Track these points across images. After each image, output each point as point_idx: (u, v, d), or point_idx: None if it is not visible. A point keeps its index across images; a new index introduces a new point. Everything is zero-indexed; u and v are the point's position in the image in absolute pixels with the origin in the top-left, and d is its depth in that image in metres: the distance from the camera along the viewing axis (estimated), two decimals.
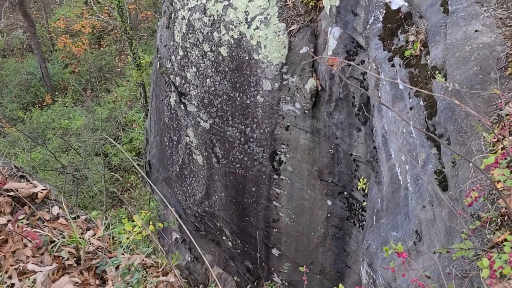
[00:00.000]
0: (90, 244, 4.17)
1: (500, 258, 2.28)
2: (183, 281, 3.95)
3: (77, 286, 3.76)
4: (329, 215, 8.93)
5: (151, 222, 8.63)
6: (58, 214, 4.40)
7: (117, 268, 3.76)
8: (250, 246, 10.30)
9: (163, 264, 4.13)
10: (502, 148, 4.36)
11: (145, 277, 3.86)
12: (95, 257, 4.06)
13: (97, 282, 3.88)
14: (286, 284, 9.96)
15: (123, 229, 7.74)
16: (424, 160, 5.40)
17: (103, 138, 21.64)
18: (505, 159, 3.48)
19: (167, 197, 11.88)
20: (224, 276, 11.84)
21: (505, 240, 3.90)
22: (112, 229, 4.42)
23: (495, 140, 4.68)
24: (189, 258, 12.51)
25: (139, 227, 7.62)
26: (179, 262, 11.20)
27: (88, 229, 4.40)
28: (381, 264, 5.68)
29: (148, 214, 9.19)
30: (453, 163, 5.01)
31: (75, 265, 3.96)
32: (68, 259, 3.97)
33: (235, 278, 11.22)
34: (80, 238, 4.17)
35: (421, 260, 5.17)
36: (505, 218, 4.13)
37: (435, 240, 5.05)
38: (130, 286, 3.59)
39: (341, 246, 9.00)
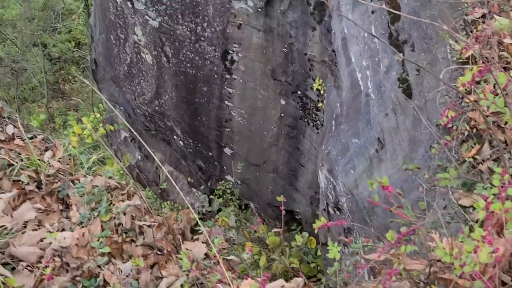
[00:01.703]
0: (50, 166, 3.97)
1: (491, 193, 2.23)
2: (148, 202, 3.84)
3: (40, 212, 3.60)
4: (282, 114, 8.86)
5: (100, 125, 8.41)
6: (13, 134, 4.16)
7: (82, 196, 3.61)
8: (202, 146, 10.23)
9: (126, 185, 4.00)
10: (472, 57, 4.29)
11: (111, 201, 3.73)
12: (57, 180, 3.89)
13: (61, 207, 3.73)
14: (239, 182, 10.01)
15: (73, 132, 7.52)
16: (387, 66, 5.29)
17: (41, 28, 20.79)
18: (482, 76, 3.39)
19: (115, 96, 11.57)
20: (175, 174, 11.83)
21: (475, 157, 3.90)
22: (68, 146, 4.21)
23: (462, 48, 4.59)
24: (139, 157, 12.41)
25: (88, 130, 7.40)
26: (129, 162, 11.08)
27: (46, 149, 4.19)
28: (342, 171, 5.69)
29: (97, 117, 8.90)
30: (417, 71, 4.93)
31: (36, 190, 3.78)
32: (28, 183, 3.79)
33: (188, 178, 11.22)
34: (39, 160, 3.97)
35: (384, 168, 5.19)
36: (473, 131, 4.10)
37: (398, 149, 5.05)
38: (95, 211, 3.45)
39: (294, 145, 9.02)
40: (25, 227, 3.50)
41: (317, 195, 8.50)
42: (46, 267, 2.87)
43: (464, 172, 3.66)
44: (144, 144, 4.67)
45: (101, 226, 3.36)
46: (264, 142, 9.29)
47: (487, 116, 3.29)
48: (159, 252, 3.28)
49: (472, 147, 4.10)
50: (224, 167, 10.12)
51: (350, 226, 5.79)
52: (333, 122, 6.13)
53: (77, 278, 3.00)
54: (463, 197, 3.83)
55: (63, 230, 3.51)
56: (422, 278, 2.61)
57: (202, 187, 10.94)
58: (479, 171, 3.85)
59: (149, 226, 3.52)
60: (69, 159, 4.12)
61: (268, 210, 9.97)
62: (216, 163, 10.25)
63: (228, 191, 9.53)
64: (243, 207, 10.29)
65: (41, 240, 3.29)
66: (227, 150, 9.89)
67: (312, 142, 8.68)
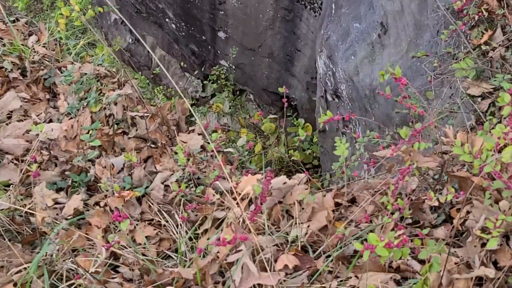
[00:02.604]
0: (35, 52, 3.73)
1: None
2: (140, 91, 3.64)
3: (25, 102, 3.40)
4: None
5: (89, 7, 8.05)
6: None
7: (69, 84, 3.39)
8: (195, 29, 9.88)
9: (116, 73, 3.78)
10: None
11: (100, 89, 3.53)
12: (42, 67, 3.66)
13: (47, 96, 3.52)
14: (233, 67, 9.75)
15: (60, 14, 7.21)
16: None
17: None
18: None
19: None
20: (167, 58, 11.52)
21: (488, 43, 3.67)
22: (57, 32, 3.95)
23: None
24: (130, 40, 12.03)
25: (76, 12, 7.07)
26: (120, 46, 10.73)
27: (30, 34, 3.92)
28: (342, 57, 5.45)
29: None
30: None
31: (21, 77, 3.56)
32: (12, 70, 3.56)
33: (181, 62, 10.92)
34: (22, 45, 3.72)
35: (387, 55, 4.96)
36: (485, 15, 3.84)
37: (402, 34, 4.80)
38: (84, 101, 3.26)
39: (290, 29, 8.69)
40: (9, 117, 3.31)
41: (314, 81, 8.29)
42: (33, 162, 2.70)
43: (476, 60, 3.45)
44: (132, 29, 4.40)
45: (91, 117, 3.17)
46: (259, 25, 8.94)
47: None
48: (153, 145, 3.12)
49: (483, 33, 3.87)
50: (218, 52, 9.82)
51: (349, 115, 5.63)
52: (333, 5, 5.81)
53: (67, 173, 2.84)
54: (471, 86, 3.64)
55: (50, 121, 3.33)
56: (431, 174, 2.47)
57: (196, 72, 10.67)
58: (490, 59, 3.64)
59: (141, 117, 3.34)
60: (55, 44, 3.86)
61: (263, 95, 9.78)
62: (209, 47, 9.93)
63: (223, 76, 9.29)
64: (237, 92, 10.10)
65: (27, 131, 3.11)
66: (221, 34, 9.55)
67: (309, 26, 8.36)
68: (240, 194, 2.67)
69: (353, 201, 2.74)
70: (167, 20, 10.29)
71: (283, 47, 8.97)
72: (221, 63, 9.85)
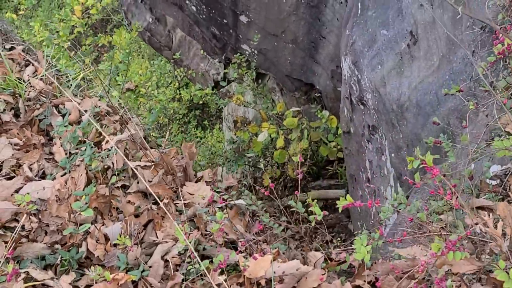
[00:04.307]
0: (31, 87, 3.41)
1: None
2: (143, 133, 3.32)
3: (18, 149, 3.11)
4: None
5: None
6: None
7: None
8: (216, 12, 9.48)
9: (119, 109, 3.46)
10: None
11: (100, 133, 3.22)
12: (38, 105, 3.35)
13: (42, 140, 3.22)
14: (256, 52, 9.37)
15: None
16: None
17: None
18: None
19: None
20: (188, 38, 11.16)
21: None
22: (57, 59, 3.62)
23: None
24: (150, 19, 11.67)
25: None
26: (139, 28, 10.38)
27: (27, 64, 3.59)
28: (368, 65, 5.07)
29: None
30: None
31: (14, 120, 3.26)
32: (4, 111, 3.26)
33: (202, 45, 10.56)
34: (17, 79, 3.41)
35: (416, 68, 4.56)
36: None
37: (433, 47, 4.39)
38: (81, 156, 2.95)
39: (315, 15, 8.27)
40: (0, 168, 3.04)
41: (339, 70, 7.90)
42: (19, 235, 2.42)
43: None
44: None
45: (87, 173, 2.88)
46: (282, 11, 8.53)
47: None
48: (154, 205, 2.82)
49: None
50: (240, 36, 9.43)
51: (375, 124, 5.27)
52: (359, 5, 5.40)
53: (56, 246, 2.57)
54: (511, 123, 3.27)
55: (43, 173, 3.04)
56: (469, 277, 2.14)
57: (217, 56, 10.32)
58: None
59: (144, 167, 3.04)
60: (54, 75, 3.53)
61: (287, 82, 9.41)
62: (231, 31, 9.54)
63: (244, 64, 8.92)
64: (259, 81, 9.74)
65: (17, 191, 2.83)
66: (242, 18, 9.15)
67: (335, 12, 7.94)
68: (249, 279, 2.38)
69: (374, 285, 2.43)
70: (187, 2, 9.91)
71: (307, 33, 8.55)
72: (243, 48, 9.47)
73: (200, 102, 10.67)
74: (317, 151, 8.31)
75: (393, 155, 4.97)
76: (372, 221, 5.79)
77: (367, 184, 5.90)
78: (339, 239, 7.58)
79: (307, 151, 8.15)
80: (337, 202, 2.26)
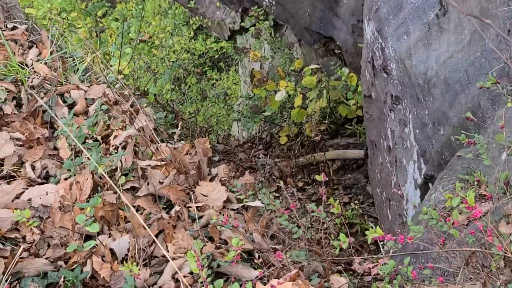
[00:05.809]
0: (35, 73, 3.18)
1: None
2: (153, 125, 3.11)
3: (20, 145, 2.92)
4: None
5: None
6: None
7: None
8: None
9: (129, 96, 3.24)
10: None
11: (108, 125, 3.01)
12: (42, 94, 3.13)
13: (46, 133, 3.02)
14: (274, 3, 9.00)
15: None
16: None
17: None
18: None
19: None
20: None
21: None
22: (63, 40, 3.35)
23: None
24: None
25: None
26: None
27: (30, 46, 3.34)
28: (393, 34, 4.77)
29: None
30: None
31: (16, 111, 3.05)
32: (5, 101, 3.05)
33: None
34: (20, 64, 3.18)
35: (445, 41, 4.27)
36: None
37: (464, 21, 4.08)
38: (88, 155, 2.75)
39: None
40: (1, 165, 2.85)
41: (360, 24, 7.56)
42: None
43: None
44: None
45: (93, 177, 2.68)
46: None
47: None
48: (165, 215, 2.63)
49: None
50: None
51: (399, 95, 5.01)
52: None
53: (60, 262, 2.40)
54: None
55: (47, 173, 2.85)
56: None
57: (234, 6, 9.95)
58: None
59: (154, 166, 2.85)
60: (59, 60, 3.28)
61: (305, 34, 9.06)
62: None
63: (261, 17, 8.58)
64: (277, 34, 9.41)
65: (17, 197, 2.65)
66: None
67: None
68: None
69: None
70: None
71: None
72: None
73: (216, 56, 10.34)
74: (335, 108, 8.06)
75: (417, 131, 4.73)
76: (393, 190, 5.60)
77: (388, 152, 5.68)
78: (356, 202, 7.44)
79: (325, 109, 7.90)
80: (367, 233, 2.06)
